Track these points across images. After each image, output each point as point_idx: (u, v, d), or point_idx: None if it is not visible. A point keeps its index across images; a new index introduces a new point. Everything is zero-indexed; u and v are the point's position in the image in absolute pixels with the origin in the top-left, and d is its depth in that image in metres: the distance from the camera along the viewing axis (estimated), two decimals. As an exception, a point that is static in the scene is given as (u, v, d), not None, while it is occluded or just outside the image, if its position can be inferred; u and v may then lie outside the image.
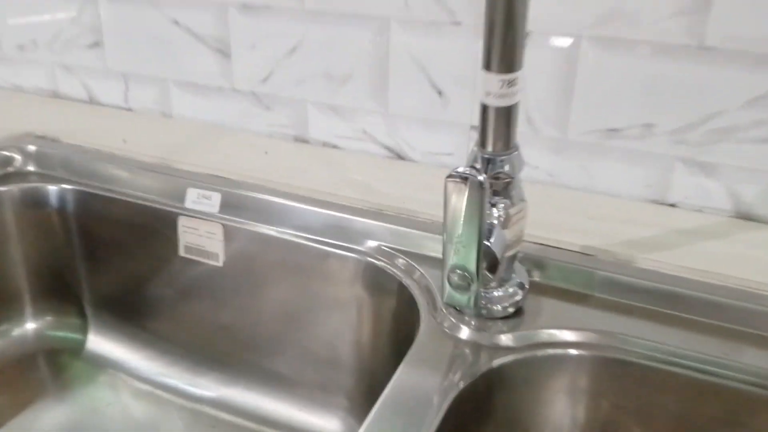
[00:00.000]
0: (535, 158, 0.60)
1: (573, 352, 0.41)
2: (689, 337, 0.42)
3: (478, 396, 0.39)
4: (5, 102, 0.81)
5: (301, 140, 0.70)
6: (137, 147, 0.66)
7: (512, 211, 0.38)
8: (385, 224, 0.53)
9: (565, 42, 0.55)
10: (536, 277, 0.48)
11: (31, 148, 0.65)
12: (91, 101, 0.81)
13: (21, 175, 0.63)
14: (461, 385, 0.38)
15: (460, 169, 0.35)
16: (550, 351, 0.41)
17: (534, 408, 0.42)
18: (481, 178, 0.34)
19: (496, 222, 0.38)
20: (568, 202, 0.57)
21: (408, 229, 0.52)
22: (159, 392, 0.61)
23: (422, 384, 0.38)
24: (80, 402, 0.60)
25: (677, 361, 0.40)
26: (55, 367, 0.63)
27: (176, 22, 0.71)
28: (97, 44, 0.77)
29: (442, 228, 0.37)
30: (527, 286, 0.44)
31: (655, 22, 0.52)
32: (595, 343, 0.41)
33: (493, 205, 0.38)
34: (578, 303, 0.45)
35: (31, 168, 0.64)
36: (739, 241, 0.51)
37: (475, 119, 0.59)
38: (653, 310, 0.44)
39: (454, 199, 0.35)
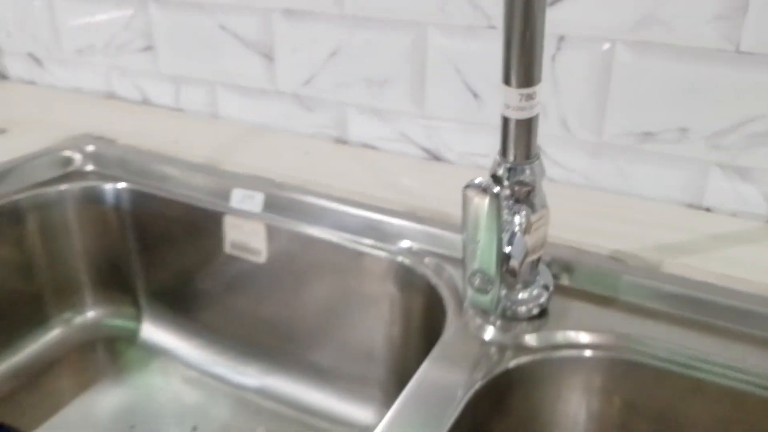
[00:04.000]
0: (570, 161, 0.61)
1: (591, 353, 0.42)
2: (711, 342, 0.42)
3: (497, 393, 0.41)
4: (64, 102, 0.86)
5: (341, 141, 0.72)
6: (187, 147, 0.70)
7: (533, 218, 0.40)
8: (418, 225, 0.55)
9: (601, 47, 0.55)
10: (564, 279, 0.49)
11: (90, 148, 0.69)
12: (144, 102, 0.85)
13: (80, 174, 0.68)
14: (481, 381, 0.40)
15: (478, 180, 0.36)
16: (570, 352, 0.42)
17: (551, 406, 0.43)
18: (496, 189, 0.36)
19: (517, 228, 0.40)
20: (603, 205, 0.58)
21: (440, 231, 0.54)
22: (206, 379, 0.65)
23: (444, 379, 0.40)
24: (134, 386, 0.65)
25: (697, 365, 0.41)
26: (111, 354, 0.68)
27: (223, 27, 0.74)
28: (149, 48, 0.81)
29: (463, 233, 0.39)
30: (551, 288, 0.45)
31: (691, 27, 0.51)
32: (614, 345, 0.42)
33: (516, 213, 0.40)
34: (603, 306, 0.46)
35: (90, 167, 0.69)
36: (773, 246, 0.51)
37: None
38: (677, 314, 0.44)
39: (472, 208, 0.37)
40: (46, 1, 0.87)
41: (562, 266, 0.49)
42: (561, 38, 0.57)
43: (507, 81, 0.36)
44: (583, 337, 0.43)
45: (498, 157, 0.39)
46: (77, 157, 0.69)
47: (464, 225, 0.38)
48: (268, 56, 0.72)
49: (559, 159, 0.61)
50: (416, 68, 0.64)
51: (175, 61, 0.79)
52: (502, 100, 0.37)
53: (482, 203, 0.36)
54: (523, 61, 0.35)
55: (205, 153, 0.68)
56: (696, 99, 0.53)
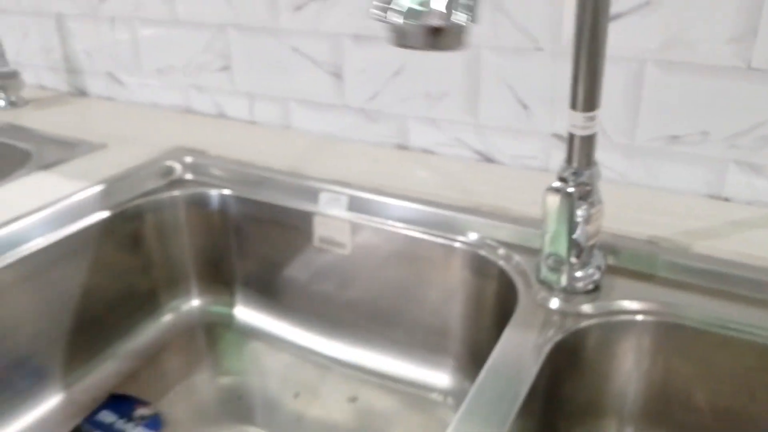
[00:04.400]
0: (608, 161, 0.71)
1: (639, 318, 0.53)
2: (735, 307, 0.53)
3: (566, 351, 0.52)
4: (147, 117, 0.97)
5: (403, 148, 0.83)
6: (270, 156, 0.80)
7: (593, 211, 0.50)
8: (482, 219, 0.65)
9: (634, 65, 0.66)
10: (611, 260, 0.59)
11: (188, 159, 0.80)
12: (220, 116, 0.96)
13: (182, 182, 0.79)
14: (554, 342, 0.50)
15: (555, 184, 0.47)
16: (621, 317, 0.53)
17: (608, 364, 0.54)
18: (570, 189, 0.46)
19: (580, 220, 0.50)
20: (637, 198, 0.68)
21: (502, 223, 0.65)
22: (301, 353, 0.75)
23: (524, 341, 0.51)
24: (235, 363, 0.76)
25: (725, 325, 0.51)
26: (213, 336, 0.79)
27: (296, 50, 0.84)
28: (226, 68, 0.92)
29: (542, 224, 0.50)
30: (603, 268, 0.56)
31: (710, 49, 0.62)
32: (658, 310, 0.53)
33: (578, 208, 0.50)
34: (644, 281, 0.57)
35: (189, 176, 0.80)
36: (782, 229, 0.62)
37: (555, 128, 0.71)
38: (707, 287, 0.55)
39: (550, 204, 0.47)
40: (129, 27, 0.98)
41: (609, 249, 0.59)
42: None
43: (573, 106, 0.46)
44: (631, 305, 0.54)
45: (564, 164, 0.50)
46: (178, 167, 0.80)
47: (543, 217, 0.49)
48: (338, 75, 0.83)
49: (599, 159, 0.71)
50: (471, 84, 0.75)
51: (250, 79, 0.90)
52: (568, 121, 0.48)
53: (557, 200, 0.47)
54: (587, 90, 0.45)
55: (288, 162, 0.79)
56: (715, 107, 0.64)
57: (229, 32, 0.89)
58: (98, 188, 0.74)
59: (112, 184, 0.75)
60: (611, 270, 0.58)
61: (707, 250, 0.59)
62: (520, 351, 0.50)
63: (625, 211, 0.65)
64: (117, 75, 1.05)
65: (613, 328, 0.53)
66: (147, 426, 0.68)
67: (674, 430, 0.55)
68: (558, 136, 0.73)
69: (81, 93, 1.11)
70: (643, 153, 0.69)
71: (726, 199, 0.67)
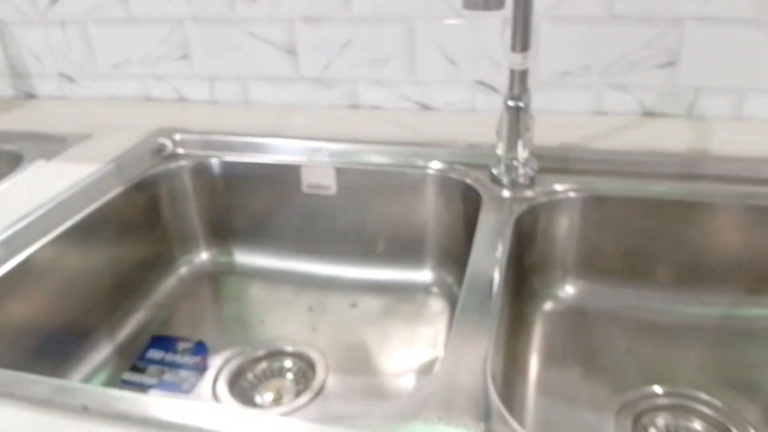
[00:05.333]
0: (518, 96, 0.94)
1: (570, 194, 0.76)
2: (629, 179, 0.77)
3: (522, 226, 0.74)
4: (110, 108, 1.08)
5: (355, 107, 1.01)
6: (241, 127, 0.96)
7: (529, 123, 0.72)
8: (439, 150, 0.86)
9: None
10: (541, 161, 0.82)
11: (178, 136, 0.94)
12: (181, 100, 1.09)
13: (176, 156, 0.92)
14: (513, 219, 0.72)
15: (509, 103, 0.68)
16: (556, 196, 0.76)
17: (552, 229, 0.77)
18: (520, 104, 0.68)
19: (523, 130, 0.72)
20: (543, 119, 0.92)
21: (454, 151, 0.85)
22: (300, 281, 0.92)
23: (495, 219, 0.72)
24: (246, 299, 0.91)
25: (626, 192, 0.75)
26: (223, 282, 0.94)
27: (253, 35, 1.00)
28: (185, 57, 1.05)
29: (497, 134, 0.71)
30: (536, 167, 0.78)
31: (586, 4, 0.86)
32: (579, 188, 0.76)
33: (520, 121, 0.72)
34: (563, 173, 0.80)
35: (181, 150, 0.93)
36: (647, 129, 0.87)
37: (478, 76, 0.93)
38: (606, 169, 0.79)
39: (506, 117, 0.69)
40: (82, 29, 1.08)
41: (537, 154, 0.82)
42: (505, 19, 0.89)
43: (513, 49, 0.67)
44: (560, 187, 0.77)
45: (507, 92, 0.71)
46: (169, 143, 0.93)
47: (498, 128, 0.70)
48: (292, 52, 0.99)
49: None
50: (409, 49, 0.94)
51: (208, 63, 1.04)
52: (509, 60, 0.69)
53: (508, 115, 0.68)
54: (522, 38, 0.67)
55: (260, 130, 0.95)
56: (592, 47, 0.88)
57: (187, 25, 1.02)
58: (109, 167, 0.86)
59: (119, 163, 0.87)
60: (539, 169, 0.81)
61: (600, 147, 0.83)
62: (493, 229, 0.71)
63: (539, 128, 0.88)
64: (70, 74, 1.13)
65: (552, 205, 0.76)
66: (194, 353, 0.83)
67: (599, 272, 0.79)
68: (480, 83, 0.95)
69: (29, 96, 1.18)
70: (543, 86, 0.93)
71: (605, 113, 0.93)
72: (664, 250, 0.77)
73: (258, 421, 0.47)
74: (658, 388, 0.70)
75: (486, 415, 0.47)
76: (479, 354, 0.52)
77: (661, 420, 0.68)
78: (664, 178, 0.77)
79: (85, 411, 0.49)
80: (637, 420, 0.68)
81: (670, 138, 0.85)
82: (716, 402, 0.69)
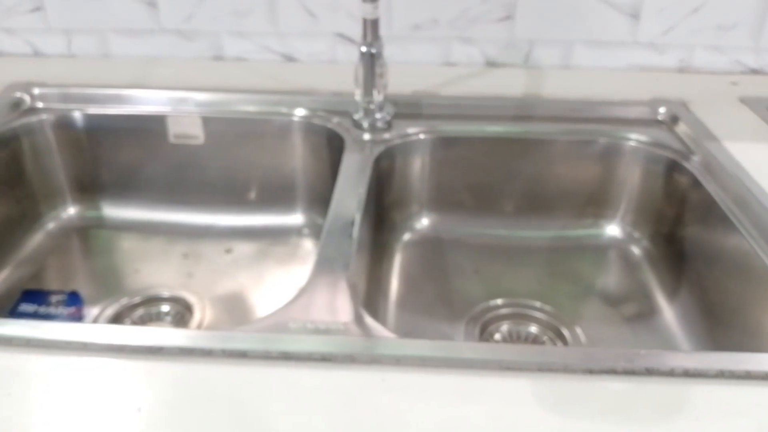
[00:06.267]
0: (375, 48, 1.00)
1: (422, 136, 0.84)
2: (472, 122, 0.86)
3: (381, 164, 0.81)
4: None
5: (219, 59, 1.03)
6: (103, 81, 0.95)
7: (383, 69, 0.79)
8: (302, 97, 0.91)
9: (383, -24, 0.95)
10: (397, 107, 0.89)
11: (36, 90, 0.92)
12: (36, 55, 1.06)
13: (36, 110, 0.91)
14: (373, 158, 0.79)
15: (363, 49, 0.74)
16: (411, 138, 0.84)
17: (408, 167, 0.85)
18: (373, 50, 0.74)
19: (377, 75, 0.79)
20: (396, 70, 0.99)
21: (319, 98, 0.91)
22: (171, 230, 0.94)
23: (357, 161, 0.79)
24: (107, 253, 0.92)
25: (469, 132, 0.85)
26: (87, 236, 0.94)
27: (110, -13, 0.99)
28: (38, 9, 1.02)
29: (354, 80, 0.77)
30: (392, 112, 0.85)
31: (430, -39, 0.93)
32: (430, 130, 0.84)
33: (375, 66, 0.79)
34: (416, 119, 0.88)
35: (40, 105, 0.91)
36: (489, 77, 0.97)
37: (337, 28, 0.98)
38: (453, 113, 0.88)
39: (362, 63, 0.75)
40: None
41: (393, 101, 0.89)
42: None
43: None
44: (414, 130, 0.84)
45: (361, 40, 0.77)
46: (27, 98, 0.91)
47: (356, 73, 0.76)
48: (152, 3, 0.99)
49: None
50: (270, 2, 0.98)
51: (64, 16, 1.01)
52: (361, 10, 0.75)
53: (362, 62, 0.74)
54: (372, -10, 0.73)
55: (122, 82, 0.95)
56: (439, 2, 0.96)
57: (38, -25, 0.99)
58: (-39, 122, 0.83)
59: (-28, 118, 0.85)
60: (395, 115, 0.89)
61: (448, 94, 0.92)
62: (355, 169, 0.78)
63: (395, 78, 0.95)
64: None
65: (406, 146, 0.84)
66: (69, 304, 0.84)
67: (449, 205, 0.89)
68: (340, 35, 1.00)
69: None
70: (397, 39, 1.00)
71: (453, 64, 1.01)
72: (504, 183, 0.88)
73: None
74: (500, 301, 0.81)
75: (351, 317, 0.54)
76: (340, 273, 0.59)
77: (504, 327, 0.79)
78: (503, 120, 0.88)
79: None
80: (484, 328, 0.79)
81: (509, 85, 0.95)
82: (549, 308, 0.81)
